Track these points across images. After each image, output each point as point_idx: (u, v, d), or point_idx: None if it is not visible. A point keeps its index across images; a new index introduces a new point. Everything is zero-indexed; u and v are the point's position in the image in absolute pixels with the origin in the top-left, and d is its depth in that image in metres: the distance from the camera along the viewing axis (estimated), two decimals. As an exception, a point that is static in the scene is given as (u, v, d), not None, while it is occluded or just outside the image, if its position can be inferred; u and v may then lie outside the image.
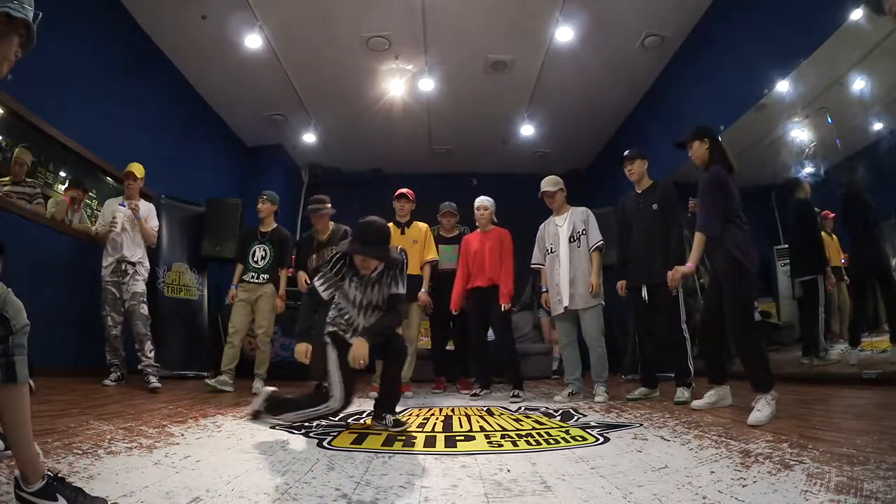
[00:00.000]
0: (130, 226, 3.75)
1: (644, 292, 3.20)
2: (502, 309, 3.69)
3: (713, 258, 2.58)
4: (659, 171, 4.96)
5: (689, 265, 2.59)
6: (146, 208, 3.90)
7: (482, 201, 3.99)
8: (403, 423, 2.29)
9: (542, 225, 3.71)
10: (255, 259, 3.95)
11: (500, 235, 3.88)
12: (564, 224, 3.54)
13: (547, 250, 3.60)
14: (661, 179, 3.43)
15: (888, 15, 1.41)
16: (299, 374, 3.83)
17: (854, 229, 3.57)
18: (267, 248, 3.98)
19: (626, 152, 3.41)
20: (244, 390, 3.71)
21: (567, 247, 3.47)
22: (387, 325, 2.35)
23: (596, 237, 3.43)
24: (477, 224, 4.00)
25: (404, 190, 4.03)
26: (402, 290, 2.39)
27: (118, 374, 3.59)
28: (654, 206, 3.22)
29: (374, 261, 2.26)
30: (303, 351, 2.25)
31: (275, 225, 4.07)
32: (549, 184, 3.57)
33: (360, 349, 2.15)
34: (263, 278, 3.93)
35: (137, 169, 3.84)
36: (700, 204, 2.57)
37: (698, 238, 2.54)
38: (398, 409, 2.52)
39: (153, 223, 3.92)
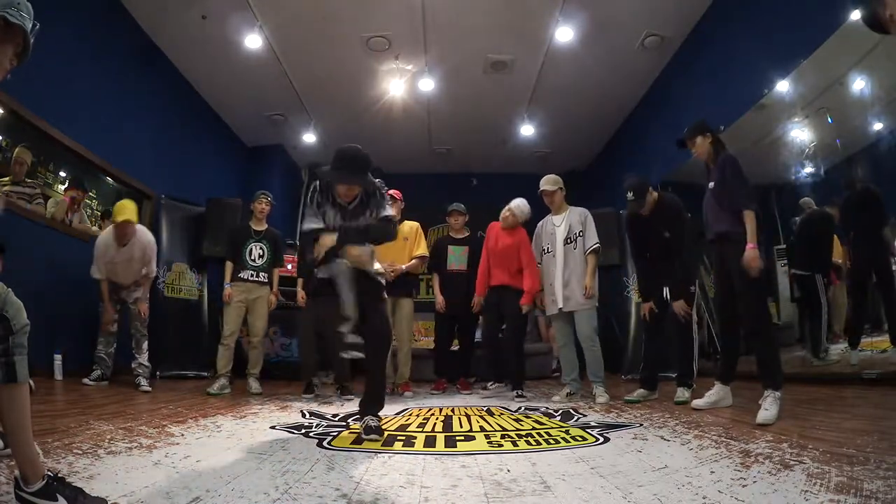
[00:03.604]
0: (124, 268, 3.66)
1: (666, 293, 3.17)
2: (523, 311, 3.65)
3: (722, 254, 2.55)
4: (659, 171, 4.99)
5: (752, 246, 2.36)
6: (140, 248, 3.67)
7: (517, 207, 3.80)
8: (381, 432, 2.02)
9: (540, 223, 3.70)
10: (253, 257, 3.92)
11: (520, 234, 3.80)
12: (562, 224, 3.53)
13: (543, 250, 3.59)
14: (665, 197, 3.27)
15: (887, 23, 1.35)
16: (296, 374, 3.84)
17: (856, 228, 3.54)
18: (264, 247, 3.96)
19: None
20: (242, 391, 3.72)
21: (563, 248, 3.46)
22: (375, 229, 2.21)
23: (592, 239, 3.42)
24: (502, 222, 3.88)
25: (392, 191, 4.05)
26: (390, 212, 2.30)
27: (100, 372, 3.54)
28: (666, 234, 3.16)
29: (355, 188, 2.16)
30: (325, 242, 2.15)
31: (266, 224, 4.05)
32: (549, 182, 3.56)
33: (352, 250, 2.10)
34: (263, 276, 3.91)
35: (129, 212, 3.55)
36: (734, 183, 2.46)
37: (751, 216, 2.39)
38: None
39: (151, 268, 3.78)
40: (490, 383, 3.75)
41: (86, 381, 3.48)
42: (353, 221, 2.21)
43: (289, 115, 6.34)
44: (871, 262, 3.38)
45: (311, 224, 2.21)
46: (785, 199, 4.08)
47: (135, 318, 3.68)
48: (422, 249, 3.99)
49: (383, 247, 3.93)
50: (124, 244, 3.60)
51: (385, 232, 2.29)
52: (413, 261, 3.93)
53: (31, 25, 1.08)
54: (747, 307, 2.43)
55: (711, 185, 2.59)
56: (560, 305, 3.41)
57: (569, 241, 3.47)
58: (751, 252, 2.36)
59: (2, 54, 1.07)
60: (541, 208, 3.75)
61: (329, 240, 2.13)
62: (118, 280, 3.68)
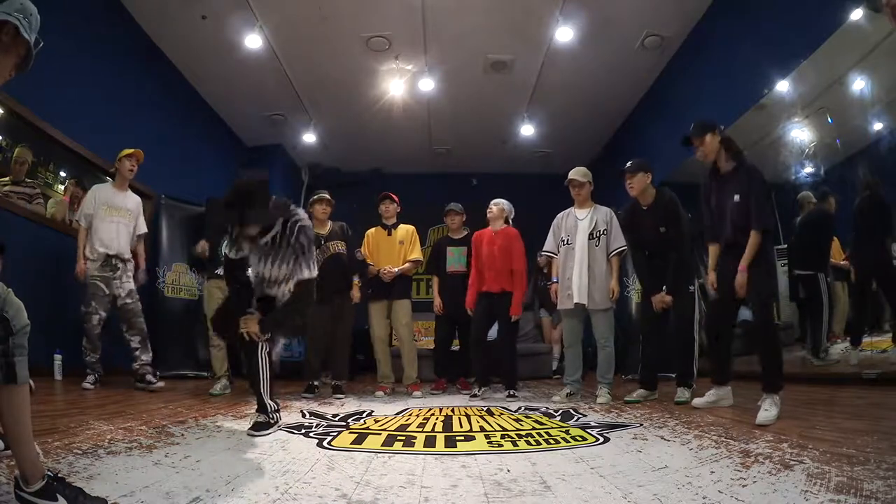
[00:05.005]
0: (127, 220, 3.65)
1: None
2: (512, 319, 3.71)
3: (731, 261, 2.55)
4: (659, 171, 4.98)
5: (743, 269, 2.37)
6: (135, 201, 3.78)
7: (496, 202, 3.95)
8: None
9: (561, 215, 3.64)
10: None
11: (509, 236, 3.84)
12: (586, 219, 3.47)
13: (562, 241, 3.54)
14: (664, 192, 3.31)
15: (886, 9, 1.38)
16: (297, 374, 3.84)
17: (862, 230, 3.53)
18: None
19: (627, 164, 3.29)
20: (243, 391, 3.71)
21: (586, 243, 3.40)
22: (281, 317, 2.22)
23: (619, 242, 3.38)
24: (488, 220, 3.96)
25: (387, 192, 4.11)
26: (308, 273, 2.18)
27: (95, 375, 3.45)
28: (662, 229, 3.17)
29: (250, 226, 2.09)
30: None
31: None
32: (579, 174, 3.52)
33: (249, 324, 2.15)
34: None
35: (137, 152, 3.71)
36: (754, 200, 2.40)
37: (756, 238, 2.36)
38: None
39: (141, 227, 3.83)
40: (479, 389, 3.76)
41: (85, 385, 3.45)
42: (270, 258, 2.19)
43: (289, 114, 6.33)
44: (874, 264, 3.38)
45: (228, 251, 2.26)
46: (785, 200, 4.08)
47: (130, 316, 3.57)
48: (416, 253, 4.01)
49: (379, 250, 3.98)
50: (125, 189, 3.69)
51: (297, 311, 2.26)
52: (406, 264, 3.94)
53: (35, 39, 1.09)
54: (758, 314, 2.43)
55: (737, 198, 2.46)
56: (577, 299, 3.34)
57: (593, 236, 3.42)
58: (741, 276, 2.36)
59: (6, 62, 1.08)
60: (541, 210, 3.76)
61: (251, 323, 2.17)
62: (109, 241, 3.55)
